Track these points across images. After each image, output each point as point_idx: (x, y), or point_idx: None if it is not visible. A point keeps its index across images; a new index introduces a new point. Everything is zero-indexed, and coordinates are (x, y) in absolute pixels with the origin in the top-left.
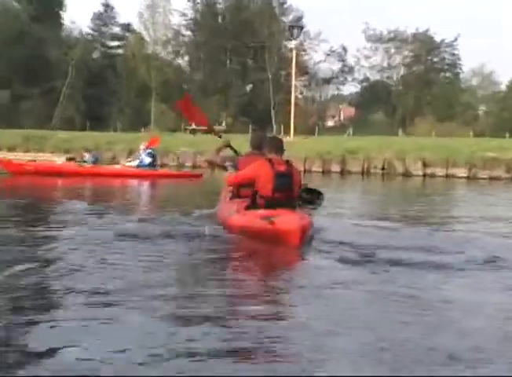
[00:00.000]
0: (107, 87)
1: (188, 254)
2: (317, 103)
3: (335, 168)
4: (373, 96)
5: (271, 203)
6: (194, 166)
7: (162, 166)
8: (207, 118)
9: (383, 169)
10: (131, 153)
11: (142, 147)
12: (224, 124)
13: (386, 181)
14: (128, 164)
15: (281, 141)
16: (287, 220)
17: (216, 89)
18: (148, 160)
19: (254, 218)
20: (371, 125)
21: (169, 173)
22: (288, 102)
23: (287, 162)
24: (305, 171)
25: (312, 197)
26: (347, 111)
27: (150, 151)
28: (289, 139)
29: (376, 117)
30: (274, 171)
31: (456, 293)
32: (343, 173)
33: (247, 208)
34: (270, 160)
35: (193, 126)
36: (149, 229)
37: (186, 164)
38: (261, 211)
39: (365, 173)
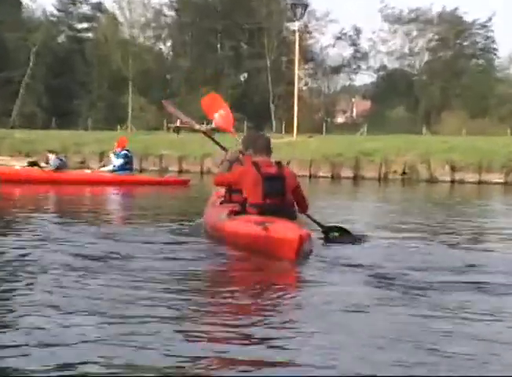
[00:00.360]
0: (75, 77)
1: (170, 271)
2: (325, 96)
3: (347, 173)
4: (391, 88)
5: (263, 211)
6: (180, 171)
7: (142, 171)
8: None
9: (404, 174)
10: (104, 156)
11: (115, 149)
12: (213, 123)
13: (407, 187)
14: (102, 169)
15: (268, 140)
16: (284, 227)
17: (204, 79)
18: (119, 162)
19: (247, 223)
20: (390, 122)
21: (148, 180)
22: (290, 95)
23: (278, 163)
24: (310, 177)
25: (343, 239)
26: (360, 106)
27: (125, 152)
28: (291, 139)
29: (395, 112)
30: (262, 175)
31: (489, 316)
32: (356, 178)
33: (237, 214)
34: (255, 163)
35: (177, 124)
36: (124, 246)
37: (170, 168)
38: (255, 217)
39: (382, 178)
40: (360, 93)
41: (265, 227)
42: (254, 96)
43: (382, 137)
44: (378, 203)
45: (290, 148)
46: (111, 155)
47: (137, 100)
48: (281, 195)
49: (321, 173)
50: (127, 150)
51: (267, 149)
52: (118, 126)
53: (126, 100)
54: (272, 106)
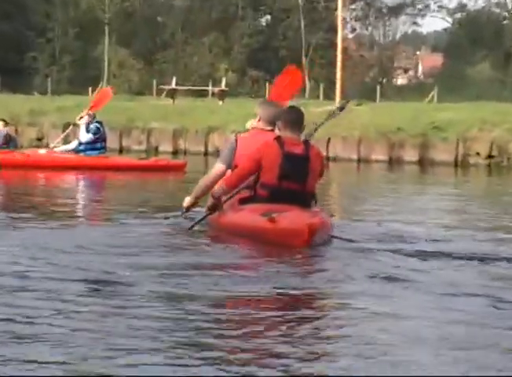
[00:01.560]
0: (28, 21)
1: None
2: (379, 47)
3: (410, 155)
4: (473, 37)
5: (276, 195)
6: (175, 152)
7: (122, 151)
8: None
9: (490, 157)
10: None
11: (83, 116)
12: (223, 83)
13: (496, 177)
14: (61, 148)
15: (300, 114)
16: (293, 217)
17: (210, 23)
18: (87, 138)
19: (251, 214)
20: (470, 83)
21: (129, 163)
22: (331, 46)
23: (306, 142)
24: (359, 160)
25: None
26: (429, 61)
27: (96, 124)
28: (333, 107)
29: (478, 71)
30: (283, 152)
31: None
32: (423, 163)
33: (243, 202)
34: (279, 138)
35: (173, 86)
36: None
37: (161, 148)
38: (260, 205)
39: (459, 163)
40: (428, 44)
41: (272, 218)
42: (280, 48)
43: (459, 106)
44: (458, 201)
45: (331, 120)
46: (82, 127)
47: (116, 52)
48: (302, 180)
49: (374, 156)
50: (99, 122)
51: (298, 124)
52: (90, 89)
53: (100, 52)
54: (304, 61)
